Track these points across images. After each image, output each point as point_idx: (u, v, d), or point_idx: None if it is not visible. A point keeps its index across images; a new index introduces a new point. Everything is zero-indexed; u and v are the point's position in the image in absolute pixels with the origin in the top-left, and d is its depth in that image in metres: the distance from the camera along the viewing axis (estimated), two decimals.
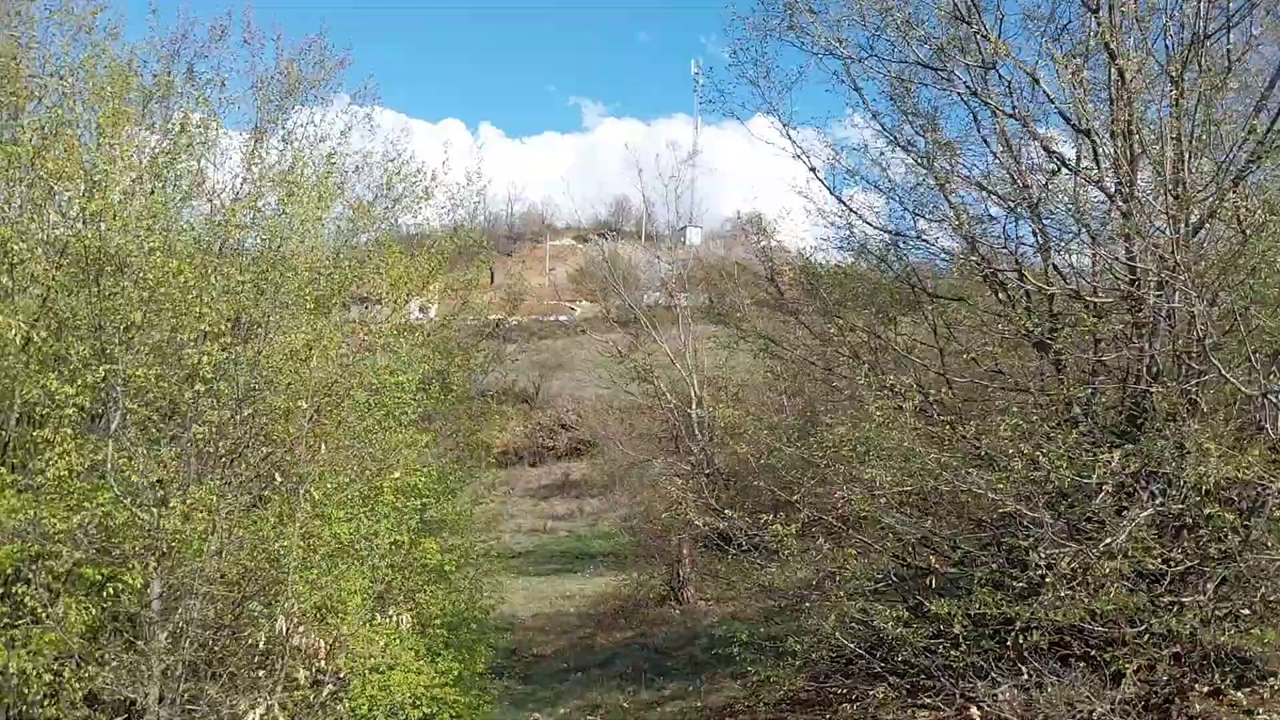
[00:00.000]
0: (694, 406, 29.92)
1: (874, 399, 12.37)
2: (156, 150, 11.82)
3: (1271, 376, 10.57)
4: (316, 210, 12.88)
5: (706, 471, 27.85)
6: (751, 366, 28.22)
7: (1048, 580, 10.42)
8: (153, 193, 11.29)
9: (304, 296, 11.98)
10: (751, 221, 21.63)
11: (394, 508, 13.05)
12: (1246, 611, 10.85)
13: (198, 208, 13.07)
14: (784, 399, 25.17)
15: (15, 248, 9.43)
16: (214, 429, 10.14)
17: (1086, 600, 10.40)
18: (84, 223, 9.95)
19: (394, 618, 11.74)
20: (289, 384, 10.90)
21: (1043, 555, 10.57)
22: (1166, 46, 12.08)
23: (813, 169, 15.66)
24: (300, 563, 10.44)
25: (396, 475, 12.56)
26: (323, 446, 10.77)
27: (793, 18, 14.48)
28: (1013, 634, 11.14)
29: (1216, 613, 10.72)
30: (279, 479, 10.39)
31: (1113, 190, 12.29)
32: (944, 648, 11.91)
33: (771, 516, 13.35)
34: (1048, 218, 13.49)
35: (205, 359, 9.91)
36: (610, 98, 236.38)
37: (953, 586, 12.84)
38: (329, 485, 11.00)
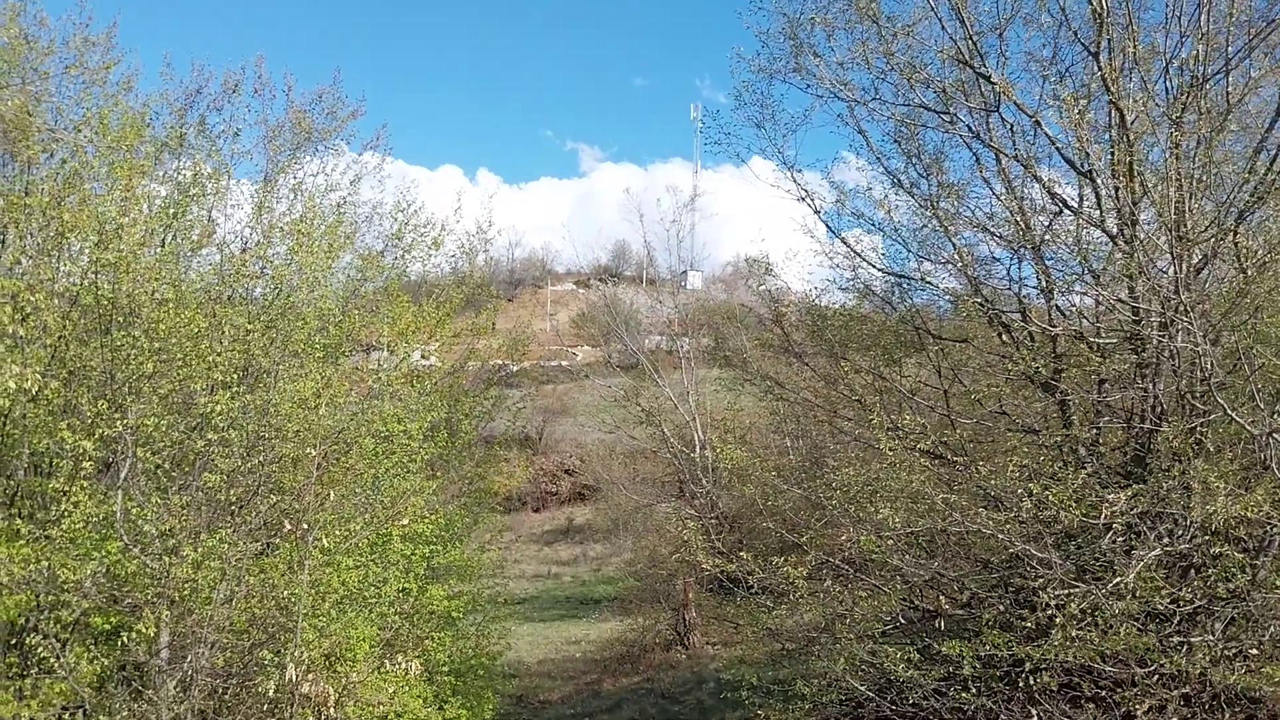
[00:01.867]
0: (698, 449, 29.91)
1: (885, 440, 12.33)
2: (168, 201, 11.91)
3: (1276, 415, 10.50)
4: (326, 259, 12.95)
5: (713, 515, 27.77)
6: (756, 409, 28.26)
7: (1057, 621, 10.32)
8: (164, 243, 11.38)
9: (313, 345, 12.04)
10: (754, 264, 21.67)
11: (402, 555, 13.02)
12: (1256, 651, 10.74)
13: (208, 257, 13.16)
14: (789, 441, 25.16)
15: (27, 299, 9.47)
16: (224, 477, 10.14)
17: (1096, 641, 10.31)
18: (96, 273, 10.00)
19: (402, 665, 11.67)
20: (298, 431, 10.93)
21: (1051, 596, 10.47)
22: (1167, 89, 12.15)
23: (817, 211, 15.76)
24: (309, 610, 10.41)
25: (405, 522, 12.55)
26: (331, 494, 10.77)
27: (798, 60, 14.58)
28: (1023, 675, 11.01)
29: (1226, 652, 10.62)
30: (288, 526, 10.39)
31: (1115, 231, 12.30)
32: (954, 690, 11.78)
33: (780, 559, 13.27)
34: (1051, 259, 13.54)
35: (216, 407, 9.94)
36: (607, 143, 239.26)
37: (961, 628, 12.75)
38: (338, 533, 10.97)
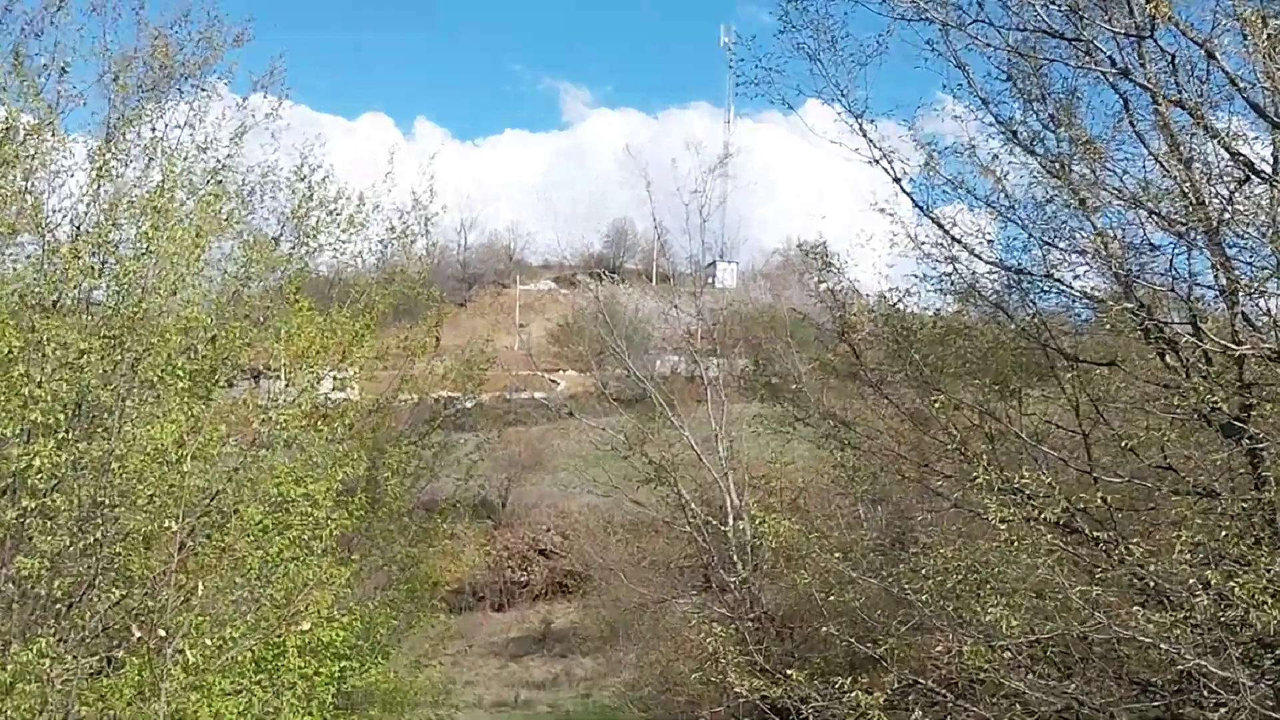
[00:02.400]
0: (731, 520, 29.92)
1: (995, 507, 12.39)
2: None
3: None
4: (194, 248, 13.05)
5: (751, 615, 27.78)
6: (813, 461, 28.30)
7: None
8: None
9: (175, 371, 12.12)
10: (811, 252, 21.76)
11: (301, 674, 13.07)
12: None
13: (25, 246, 13.23)
14: (861, 509, 25.21)
15: None
16: (45, 562, 10.21)
17: None
18: None
19: None
20: (152, 496, 11.01)
21: None
22: None
23: (897, 180, 15.83)
24: None
25: (305, 628, 12.61)
26: (200, 585, 10.82)
27: None
28: None
29: None
30: (138, 633, 10.44)
31: None
32: None
33: (847, 679, 13.31)
34: (1234, 245, 13.58)
35: (35, 461, 10.02)
36: (599, 81, 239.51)
37: None
38: (209, 642, 11.02)
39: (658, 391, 34.12)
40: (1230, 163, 13.41)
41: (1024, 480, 12.84)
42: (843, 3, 15.42)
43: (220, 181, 15.57)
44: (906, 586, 13.81)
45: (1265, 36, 11.85)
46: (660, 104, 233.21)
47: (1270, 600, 10.66)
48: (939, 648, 13.79)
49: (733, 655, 16.25)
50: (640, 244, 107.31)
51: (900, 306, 18.39)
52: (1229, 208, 13.40)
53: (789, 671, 13.90)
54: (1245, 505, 12.51)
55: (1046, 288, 15.59)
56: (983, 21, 14.33)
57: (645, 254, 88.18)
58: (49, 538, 10.29)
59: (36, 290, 12.42)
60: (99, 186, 14.04)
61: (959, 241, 15.97)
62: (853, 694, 13.20)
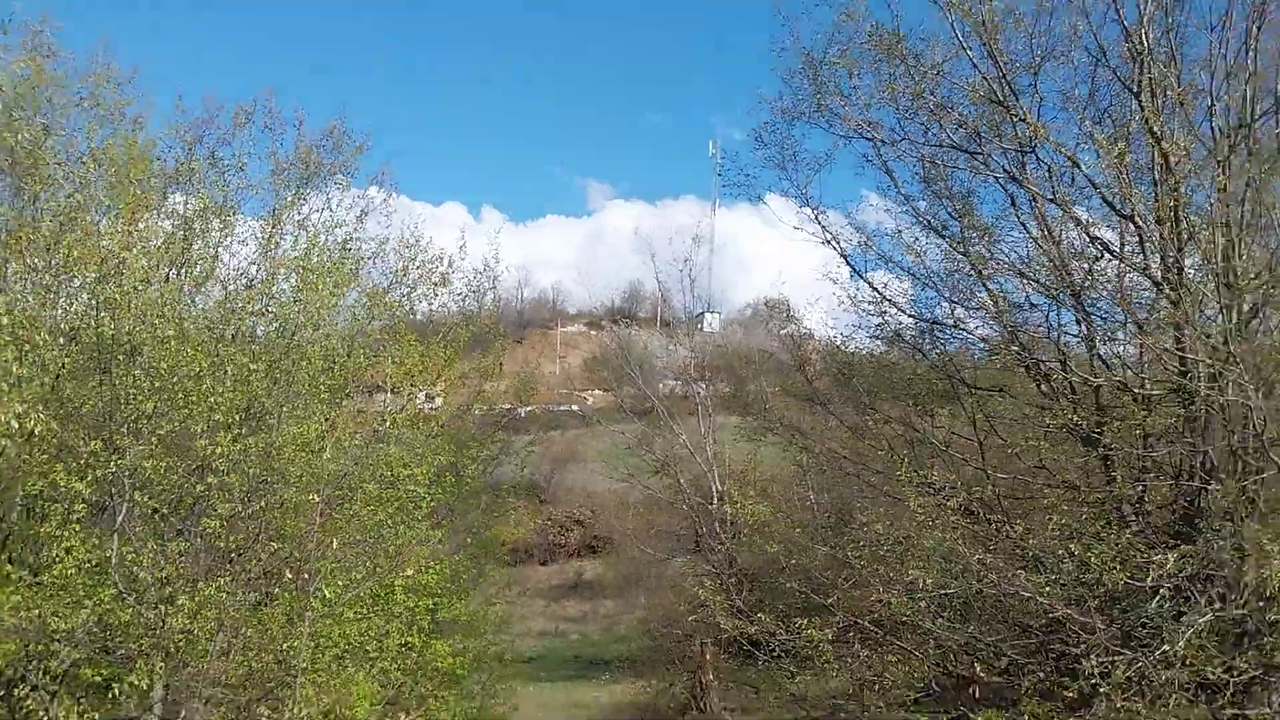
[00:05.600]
0: (715, 502, 29.79)
1: (914, 496, 12.33)
2: (172, 236, 12.07)
3: None
4: (331, 297, 13.08)
5: (731, 572, 27.63)
6: (778, 460, 28.21)
7: (1101, 690, 10.26)
8: (167, 279, 11.53)
9: (317, 385, 12.12)
10: (774, 306, 21.80)
11: (406, 607, 13.02)
12: None
13: (211, 294, 13.29)
14: (813, 495, 25.09)
15: (27, 335, 9.59)
16: (223, 523, 10.20)
17: (1143, 712, 10.22)
18: (97, 309, 10.13)
19: None
20: (300, 475, 10.99)
21: (1095, 663, 10.41)
22: (1212, 129, 12.22)
23: (843, 254, 15.84)
24: (308, 665, 10.41)
25: (409, 573, 12.55)
26: (334, 541, 10.79)
27: (820, 99, 14.73)
28: None
29: None
30: (288, 575, 10.42)
31: (1159, 277, 12.33)
32: None
33: (804, 620, 13.24)
34: (1091, 305, 13.59)
35: (217, 449, 10.02)
36: (617, 179, 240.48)
37: (998, 697, 12.67)
38: (340, 582, 10.99)
39: (661, 406, 34.11)
40: (1089, 244, 13.42)
41: (934, 477, 12.83)
42: (800, 126, 15.38)
43: (348, 249, 15.63)
44: (849, 553, 13.74)
45: (1115, 152, 11.86)
46: (660, 196, 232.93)
47: (1117, 566, 10.63)
48: (873, 598, 13.67)
49: (718, 601, 16.19)
50: (648, 299, 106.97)
51: (843, 347, 18.36)
52: (1088, 278, 13.43)
53: (760, 614, 13.82)
54: (1099, 496, 12.50)
55: (953, 334, 15.66)
56: (905, 139, 14.41)
57: (652, 306, 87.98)
58: (225, 505, 10.28)
59: (219, 326, 12.45)
60: (265, 252, 14.19)
61: (887, 299, 15.98)
62: (808, 631, 13.13)
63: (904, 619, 12.99)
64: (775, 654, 14.37)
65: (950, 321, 15.45)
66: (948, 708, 12.92)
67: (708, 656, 28.26)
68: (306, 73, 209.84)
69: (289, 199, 15.23)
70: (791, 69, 14.70)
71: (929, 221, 15.07)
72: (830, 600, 14.16)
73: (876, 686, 13.12)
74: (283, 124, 15.77)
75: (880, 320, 16.54)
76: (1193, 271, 12.23)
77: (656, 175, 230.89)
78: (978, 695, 12.34)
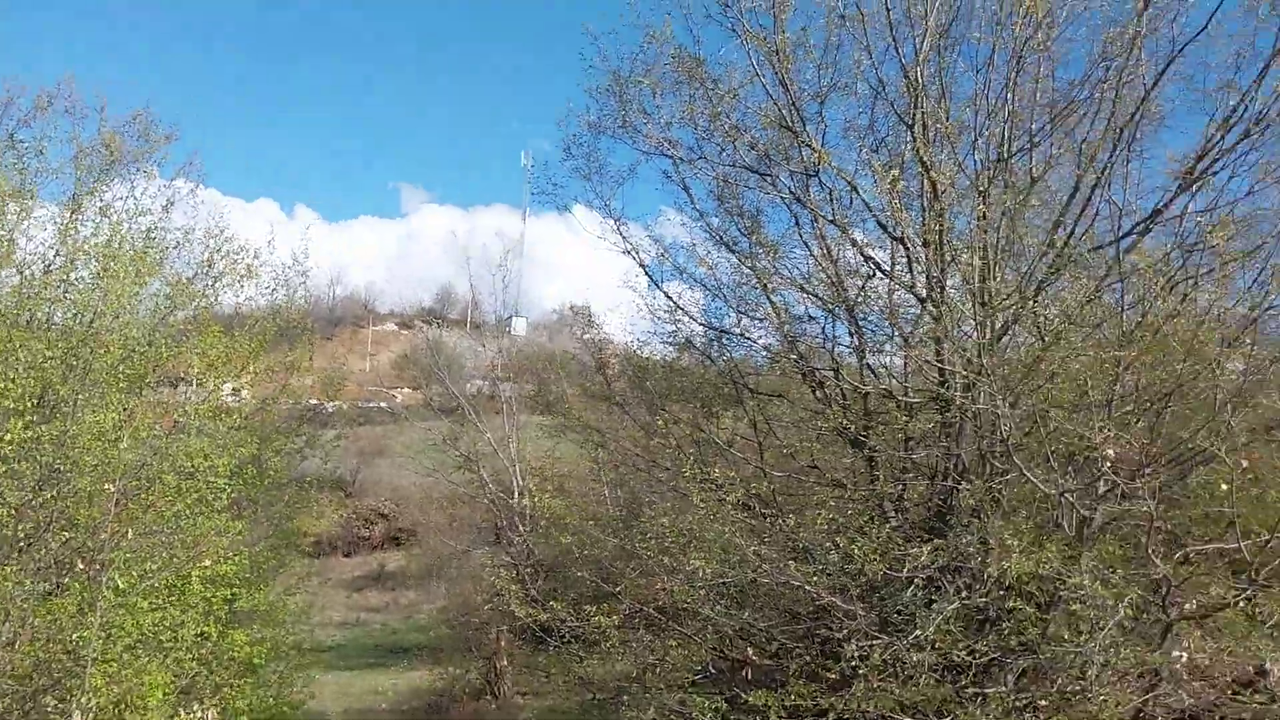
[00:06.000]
0: (516, 496, 29.83)
1: (696, 491, 12.64)
2: None
3: (1068, 476, 11.24)
4: (133, 285, 12.52)
5: (528, 563, 27.71)
6: (577, 457, 28.44)
7: (860, 671, 10.71)
8: None
9: (115, 374, 11.59)
10: (578, 312, 21.98)
11: (202, 597, 12.57)
12: (1045, 702, 11.30)
13: (6, 279, 12.50)
14: (608, 490, 25.39)
15: None
16: (12, 511, 9.65)
17: (896, 691, 10.73)
18: None
19: (198, 713, 11.24)
20: (96, 465, 10.50)
21: (855, 647, 10.87)
22: (975, 162, 12.99)
23: (642, 265, 16.09)
24: (99, 654, 9.95)
25: (207, 564, 12.13)
26: (129, 532, 10.36)
27: (625, 116, 14.86)
28: None
29: (1017, 703, 11.16)
30: (80, 565, 9.95)
31: (924, 295, 13.00)
32: None
33: (593, 608, 13.40)
34: (863, 319, 14.16)
35: (7, 436, 9.48)
36: (431, 184, 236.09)
37: (770, 678, 13.06)
38: (134, 572, 10.54)
39: (468, 404, 33.91)
40: (864, 263, 13.97)
41: (715, 474, 13.11)
42: (607, 141, 15.57)
43: (153, 238, 14.96)
44: (637, 544, 13.95)
45: (889, 179, 12.44)
46: (473, 202, 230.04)
47: (877, 558, 11.14)
48: (658, 586, 13.93)
49: (514, 591, 16.20)
50: (460, 301, 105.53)
51: (639, 352, 18.62)
52: (861, 294, 13.98)
53: (552, 602, 13.91)
54: (864, 493, 13.06)
55: (739, 343, 16.06)
56: (702, 158, 14.65)
57: (464, 309, 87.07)
58: (15, 494, 9.72)
59: (13, 312, 11.74)
60: (64, 239, 13.43)
61: (680, 308, 16.30)
62: (596, 617, 13.29)
63: (686, 605, 13.27)
64: (565, 639, 14.50)
65: (737, 331, 15.87)
66: (723, 689, 13.30)
67: (503, 643, 28.25)
68: (120, 65, 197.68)
69: (91, 185, 14.48)
70: (599, 86, 14.82)
71: (721, 237, 15.41)
72: (618, 589, 14.36)
73: (658, 669, 13.37)
74: (85, 109, 15.03)
75: (674, 328, 16.89)
76: (954, 291, 12.89)
77: (470, 182, 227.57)
78: (750, 677, 12.71)
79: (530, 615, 14.33)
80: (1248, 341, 11.27)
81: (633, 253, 16.03)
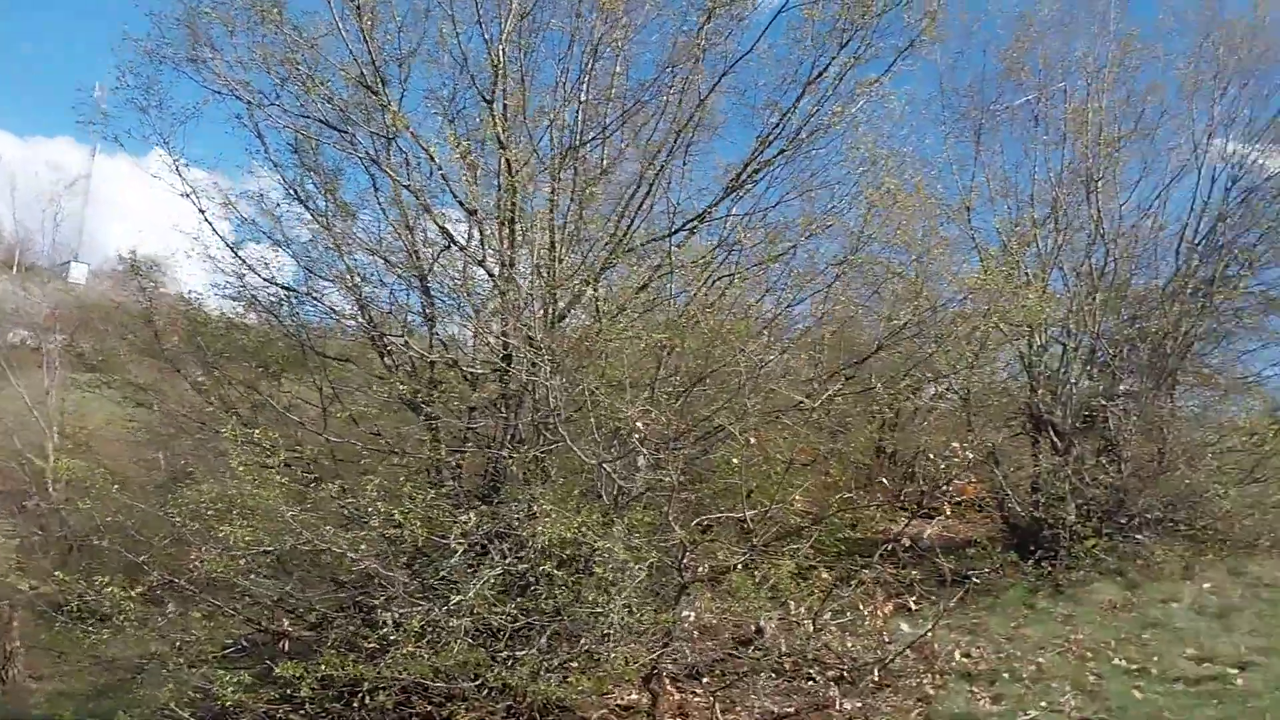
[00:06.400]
0: (51, 460, 26.16)
1: (236, 453, 11.40)
2: None
3: (612, 450, 11.50)
4: None
5: (59, 534, 24.32)
6: (128, 418, 25.43)
7: (394, 639, 10.18)
8: None
9: None
10: (129, 259, 19.48)
11: None
12: (575, 664, 11.39)
13: None
14: (162, 455, 22.78)
15: None
16: None
17: (431, 657, 10.32)
18: None
19: None
20: None
21: (395, 614, 10.38)
22: (551, 146, 13.06)
23: (202, 211, 14.42)
24: None
25: None
26: None
27: (194, 49, 13.28)
28: (360, 695, 10.65)
29: (548, 664, 11.14)
30: None
31: (496, 271, 12.80)
32: (285, 712, 11.15)
33: (106, 578, 11.65)
34: (436, 289, 13.77)
35: None
36: None
37: (310, 650, 12.12)
38: None
39: (1, 358, 29.40)
40: (439, 234, 13.49)
41: (258, 435, 12.08)
42: (174, 74, 13.64)
43: None
44: (169, 510, 12.37)
45: (459, 150, 12.15)
46: (30, 132, 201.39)
47: (420, 525, 10.74)
48: (193, 556, 12.45)
49: (13, 561, 13.87)
50: (4, 239, 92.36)
51: (199, 306, 16.72)
52: (434, 264, 13.57)
53: (57, 572, 12.02)
54: (422, 459, 12.61)
55: (308, 303, 14.89)
56: (279, 107, 13.38)
57: (9, 248, 75.96)
58: None
59: None
60: None
61: (245, 262, 14.82)
62: (110, 589, 11.60)
63: (219, 575, 11.94)
64: (76, 615, 12.51)
65: (305, 290, 14.77)
66: (257, 662, 12.10)
67: (15, 623, 24.52)
68: None
69: None
70: (166, 13, 13.03)
71: (295, 192, 14.32)
72: (144, 559, 12.68)
73: (184, 644, 11.92)
74: None
75: (240, 283, 15.35)
76: (523, 269, 12.79)
77: (30, 109, 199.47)
78: (287, 649, 11.67)
79: (33, 588, 12.22)
80: (767, 334, 12.27)
81: (193, 197, 14.30)
